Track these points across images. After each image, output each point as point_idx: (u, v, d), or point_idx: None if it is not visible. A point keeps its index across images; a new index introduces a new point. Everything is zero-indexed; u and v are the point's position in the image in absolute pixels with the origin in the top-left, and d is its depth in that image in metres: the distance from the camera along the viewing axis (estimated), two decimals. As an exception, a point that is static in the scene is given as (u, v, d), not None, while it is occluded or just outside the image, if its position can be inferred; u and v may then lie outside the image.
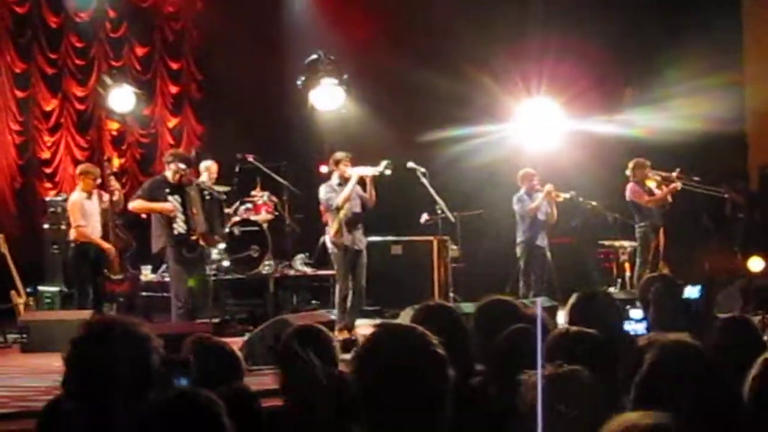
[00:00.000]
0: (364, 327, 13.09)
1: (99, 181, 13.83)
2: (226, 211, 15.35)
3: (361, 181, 13.10)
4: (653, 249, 14.81)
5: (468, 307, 7.98)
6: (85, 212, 13.55)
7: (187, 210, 12.52)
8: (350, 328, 12.77)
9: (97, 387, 3.32)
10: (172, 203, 12.48)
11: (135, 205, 12.83)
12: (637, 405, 3.32)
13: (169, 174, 12.74)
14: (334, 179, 13.19)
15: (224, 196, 13.77)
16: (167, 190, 12.51)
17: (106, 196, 13.71)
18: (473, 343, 5.02)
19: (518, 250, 15.02)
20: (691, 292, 6.39)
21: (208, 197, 13.13)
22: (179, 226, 12.49)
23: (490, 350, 4.82)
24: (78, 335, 3.50)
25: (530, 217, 14.91)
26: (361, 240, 13.25)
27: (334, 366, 4.74)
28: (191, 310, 12.48)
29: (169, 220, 12.46)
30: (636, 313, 6.31)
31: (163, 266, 14.13)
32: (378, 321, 14.01)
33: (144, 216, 13.19)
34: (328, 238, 13.38)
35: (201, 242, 12.79)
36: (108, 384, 3.29)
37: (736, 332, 4.73)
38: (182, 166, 12.83)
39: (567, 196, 15.22)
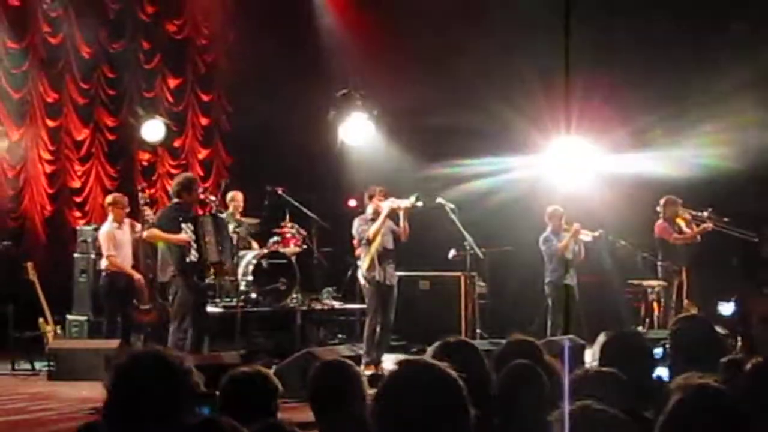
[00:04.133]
0: (390, 362, 13.08)
1: (128, 210, 13.88)
2: (254, 244, 15.46)
3: (394, 215, 13.08)
4: (677, 287, 14.77)
5: (484, 345, 7.94)
6: (116, 242, 13.62)
7: (199, 239, 12.42)
8: (377, 363, 12.74)
9: (134, 414, 3.36)
10: (186, 232, 12.36)
11: (148, 234, 12.59)
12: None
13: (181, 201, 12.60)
14: (368, 213, 13.19)
15: (230, 231, 13.56)
16: (180, 219, 12.40)
17: (138, 226, 13.74)
18: (492, 381, 5.01)
19: (546, 289, 14.95)
20: (726, 308, 6.31)
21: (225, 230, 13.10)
22: (191, 255, 12.37)
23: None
24: (121, 362, 3.55)
25: (557, 257, 14.86)
26: (393, 275, 13.22)
27: (362, 400, 4.75)
28: (192, 343, 12.32)
29: (182, 249, 12.34)
30: (656, 351, 6.27)
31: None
32: (402, 357, 13.96)
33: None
34: (360, 273, 13.37)
35: (212, 272, 12.68)
36: (145, 412, 3.33)
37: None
38: (201, 189, 12.85)
39: (595, 234, 15.13)
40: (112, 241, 13.62)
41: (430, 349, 5.07)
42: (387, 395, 3.22)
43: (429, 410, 3.13)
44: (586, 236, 15.02)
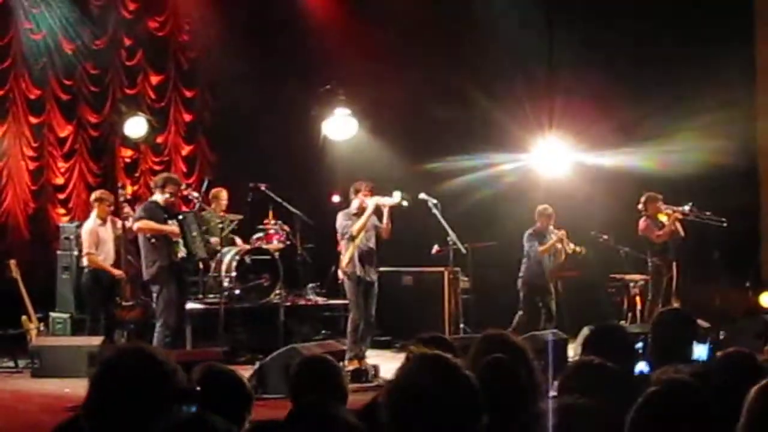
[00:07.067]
0: (373, 357, 13.11)
1: (113, 207, 13.86)
2: (238, 240, 15.49)
3: (378, 212, 13.09)
4: (666, 283, 14.80)
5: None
6: (99, 239, 13.59)
7: (186, 235, 12.43)
8: (361, 358, 12.75)
9: (117, 410, 3.36)
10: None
11: (141, 225, 12.43)
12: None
13: (159, 198, 12.60)
14: (353, 208, 13.18)
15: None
16: (164, 216, 12.42)
17: (119, 223, 13.73)
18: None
19: (518, 283, 15.16)
20: (700, 352, 6.20)
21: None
22: (181, 251, 12.40)
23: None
24: (107, 357, 3.55)
25: (535, 257, 15.03)
26: (373, 271, 13.24)
27: (343, 396, 4.75)
28: (175, 340, 12.34)
29: (170, 244, 12.37)
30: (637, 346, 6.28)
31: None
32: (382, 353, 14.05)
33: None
34: (340, 268, 13.37)
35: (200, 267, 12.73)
36: (128, 409, 3.34)
37: (737, 367, 4.56)
38: (178, 187, 12.90)
39: (577, 249, 15.31)
40: (95, 238, 13.59)
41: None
42: (399, 387, 3.23)
43: (441, 403, 3.14)
44: (568, 248, 15.21)
